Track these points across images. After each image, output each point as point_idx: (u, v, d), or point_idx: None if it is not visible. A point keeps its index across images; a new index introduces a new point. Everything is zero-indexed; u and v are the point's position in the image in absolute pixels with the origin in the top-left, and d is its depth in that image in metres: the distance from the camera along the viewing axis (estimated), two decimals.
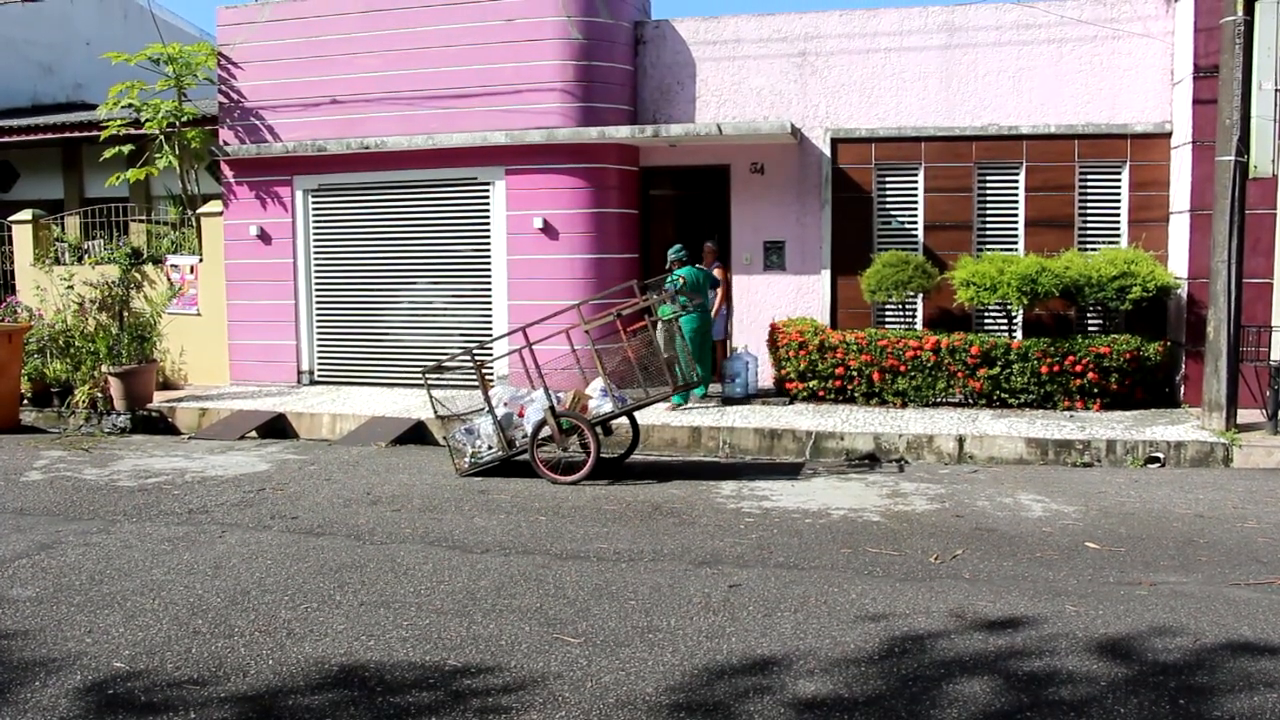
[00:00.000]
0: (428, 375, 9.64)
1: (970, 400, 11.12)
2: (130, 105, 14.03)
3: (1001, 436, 9.64)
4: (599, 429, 9.02)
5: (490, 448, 9.10)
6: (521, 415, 9.19)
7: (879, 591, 5.65)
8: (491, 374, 11.62)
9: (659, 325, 8.85)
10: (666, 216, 13.36)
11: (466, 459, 9.11)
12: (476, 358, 9.39)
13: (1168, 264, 11.48)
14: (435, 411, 9.43)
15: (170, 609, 5.46)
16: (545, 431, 8.86)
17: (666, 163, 12.85)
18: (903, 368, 11.09)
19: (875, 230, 12.28)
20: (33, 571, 6.19)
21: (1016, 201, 12.00)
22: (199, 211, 14.11)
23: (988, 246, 12.00)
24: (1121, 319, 11.43)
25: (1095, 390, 10.76)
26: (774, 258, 12.55)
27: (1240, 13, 9.48)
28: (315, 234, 13.51)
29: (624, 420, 9.51)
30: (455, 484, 8.73)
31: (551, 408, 8.82)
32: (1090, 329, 11.67)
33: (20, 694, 4.40)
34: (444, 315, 13.09)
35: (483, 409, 9.26)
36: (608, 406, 9.07)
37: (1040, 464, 9.44)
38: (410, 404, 11.84)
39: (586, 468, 8.70)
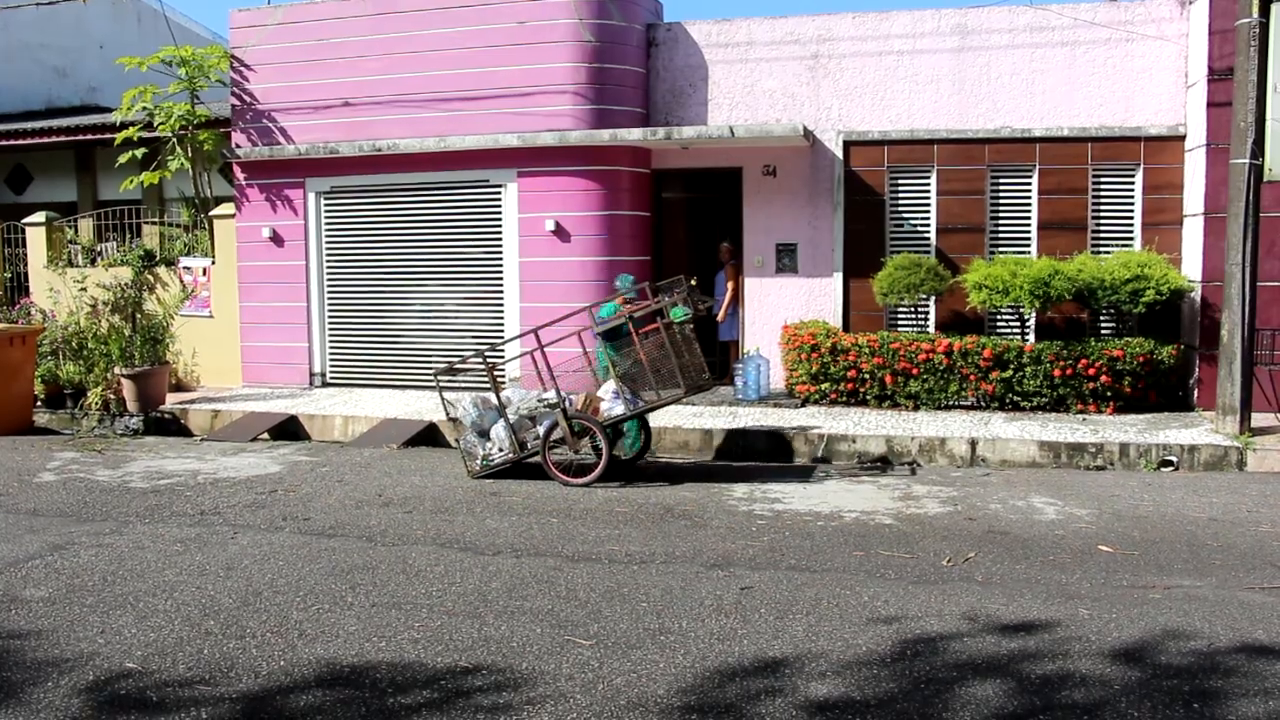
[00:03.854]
0: (439, 377, 9.66)
1: (982, 403, 11.08)
2: (144, 109, 14.09)
3: (1014, 439, 9.60)
4: (611, 431, 9.02)
5: (502, 450, 9.11)
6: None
7: (891, 594, 5.64)
8: (503, 376, 11.65)
9: (672, 327, 8.83)
10: (679, 219, 13.36)
11: (478, 461, 9.12)
12: (488, 360, 9.40)
13: (1181, 267, 11.42)
14: (447, 413, 9.44)
15: (182, 610, 5.48)
16: (557, 434, 8.86)
17: (679, 165, 12.85)
18: (915, 371, 11.06)
19: (887, 233, 12.25)
20: (46, 572, 6.22)
21: (1029, 204, 11.96)
22: (211, 214, 14.17)
23: (1000, 249, 11.97)
24: (1135, 322, 11.38)
25: (1108, 393, 10.72)
26: (786, 260, 12.54)
27: (1256, 15, 9.43)
28: (327, 236, 13.55)
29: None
30: (467, 486, 8.74)
31: (564, 410, 8.83)
32: (1103, 332, 11.63)
33: (33, 693, 4.42)
34: (456, 317, 13.11)
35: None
36: (620, 409, 9.07)
37: (1053, 467, 9.40)
38: (422, 406, 11.85)
39: (598, 470, 8.70)
